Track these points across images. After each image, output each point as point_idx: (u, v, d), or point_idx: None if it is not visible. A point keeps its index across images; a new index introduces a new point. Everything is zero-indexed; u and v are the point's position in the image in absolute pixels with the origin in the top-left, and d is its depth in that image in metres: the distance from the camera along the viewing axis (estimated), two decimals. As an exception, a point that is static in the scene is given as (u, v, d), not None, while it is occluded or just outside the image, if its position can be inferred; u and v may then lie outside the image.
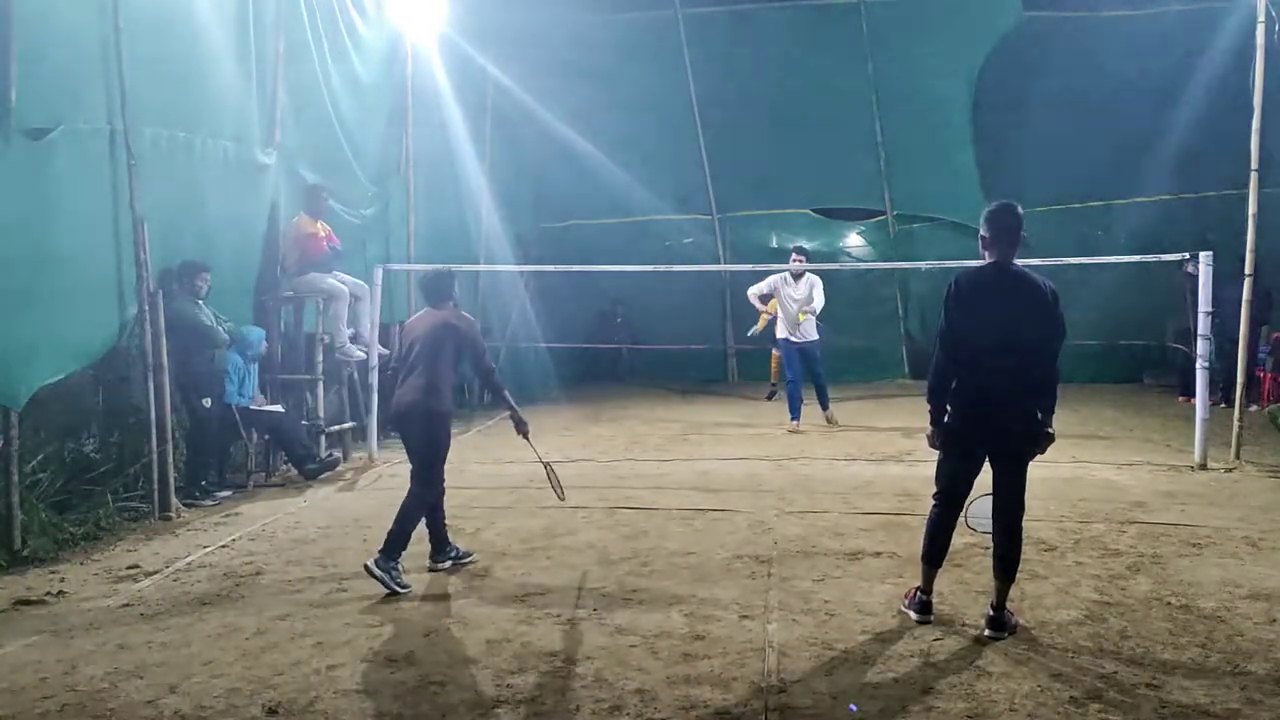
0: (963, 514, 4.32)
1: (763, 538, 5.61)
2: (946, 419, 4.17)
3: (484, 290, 12.70)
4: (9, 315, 5.38)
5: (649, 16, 14.29)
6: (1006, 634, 3.99)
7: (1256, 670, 3.61)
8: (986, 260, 4.19)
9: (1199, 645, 3.87)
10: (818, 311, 9.91)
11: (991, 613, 4.04)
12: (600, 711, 3.31)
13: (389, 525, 4.82)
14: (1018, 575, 4.20)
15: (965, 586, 4.63)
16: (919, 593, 4.27)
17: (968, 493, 4.25)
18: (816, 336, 10.01)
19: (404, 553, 4.84)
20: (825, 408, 10.23)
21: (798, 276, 9.93)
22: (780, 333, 10.12)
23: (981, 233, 4.20)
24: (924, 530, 4.31)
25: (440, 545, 5.20)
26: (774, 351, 11.50)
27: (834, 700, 3.40)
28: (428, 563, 5.14)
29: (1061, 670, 3.62)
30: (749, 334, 11.90)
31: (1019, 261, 4.20)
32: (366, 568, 4.71)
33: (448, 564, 5.16)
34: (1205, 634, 3.99)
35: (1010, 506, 4.10)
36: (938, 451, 4.28)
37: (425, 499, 5.03)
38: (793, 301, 9.89)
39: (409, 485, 5.08)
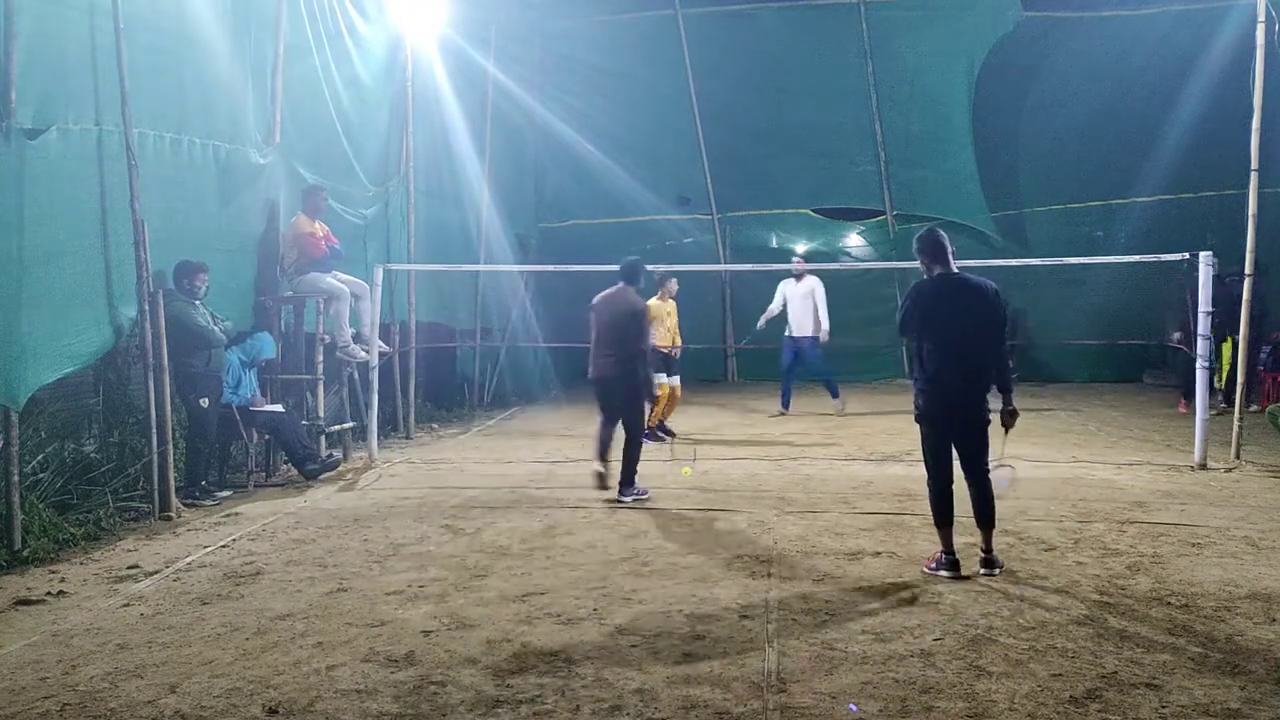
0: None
1: (763, 538, 5.61)
2: (919, 404, 4.86)
3: (484, 290, 12.70)
4: (8, 315, 5.37)
5: (649, 16, 14.31)
6: (998, 570, 4.70)
7: (1256, 670, 3.61)
8: (935, 273, 4.89)
9: (1199, 645, 3.86)
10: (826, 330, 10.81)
11: (984, 554, 4.77)
12: (600, 711, 3.31)
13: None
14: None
15: (965, 586, 4.63)
16: (943, 555, 4.76)
17: (950, 461, 4.87)
18: (812, 335, 10.77)
19: None
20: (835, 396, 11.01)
21: (799, 277, 10.83)
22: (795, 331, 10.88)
23: (923, 256, 4.91)
24: (929, 504, 4.88)
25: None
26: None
27: (834, 700, 3.39)
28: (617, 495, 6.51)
29: (1061, 670, 3.62)
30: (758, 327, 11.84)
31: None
32: (619, 500, 6.39)
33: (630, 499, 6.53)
34: (1205, 634, 3.98)
35: (976, 470, 4.83)
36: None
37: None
38: (794, 300, 10.83)
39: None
